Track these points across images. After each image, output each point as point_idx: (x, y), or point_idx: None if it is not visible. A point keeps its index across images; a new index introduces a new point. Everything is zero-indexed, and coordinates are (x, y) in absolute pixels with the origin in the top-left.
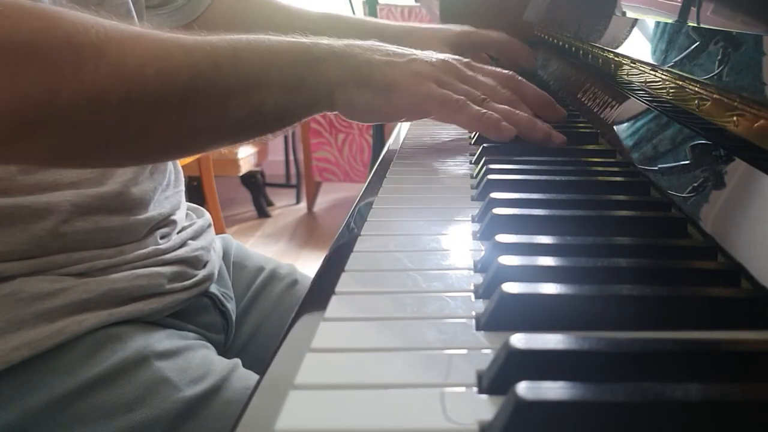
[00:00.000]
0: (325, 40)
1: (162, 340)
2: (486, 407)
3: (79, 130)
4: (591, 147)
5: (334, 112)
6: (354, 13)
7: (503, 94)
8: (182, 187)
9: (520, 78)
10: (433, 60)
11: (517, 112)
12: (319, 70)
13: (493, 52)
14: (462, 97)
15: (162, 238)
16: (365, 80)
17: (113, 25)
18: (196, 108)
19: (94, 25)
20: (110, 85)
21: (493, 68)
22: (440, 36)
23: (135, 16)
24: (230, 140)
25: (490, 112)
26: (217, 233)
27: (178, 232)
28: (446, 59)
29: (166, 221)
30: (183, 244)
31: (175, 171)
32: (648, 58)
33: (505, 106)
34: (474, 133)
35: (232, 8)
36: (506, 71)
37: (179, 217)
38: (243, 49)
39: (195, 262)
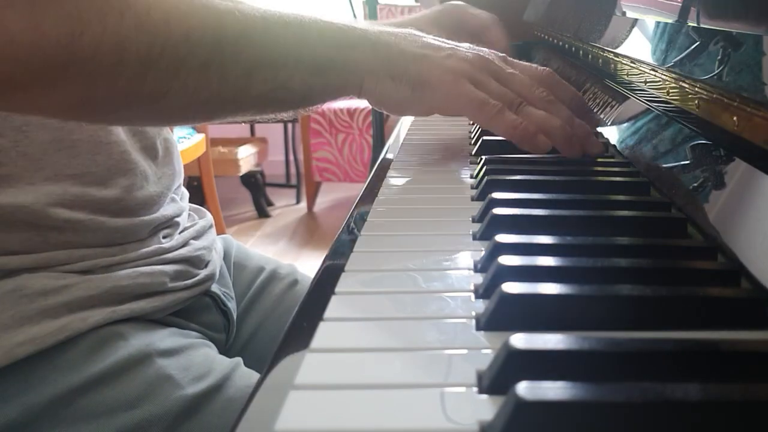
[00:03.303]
0: (360, 24)
1: (164, 338)
2: (486, 407)
3: (99, 79)
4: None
5: (361, 98)
6: (354, 13)
7: (539, 94)
8: (182, 193)
9: (557, 77)
10: (469, 56)
11: (554, 120)
12: (351, 55)
13: (470, 30)
14: (499, 103)
15: (164, 237)
16: (399, 73)
17: None
18: (219, 74)
19: None
20: (133, 35)
21: (530, 64)
22: (427, 19)
23: None
24: (251, 113)
25: (526, 123)
26: (216, 233)
27: (180, 232)
28: (482, 55)
29: (169, 222)
30: (185, 244)
31: (178, 179)
32: (648, 58)
33: (542, 113)
34: (474, 132)
35: None
36: (544, 68)
37: (182, 218)
38: (276, 21)
39: (197, 262)
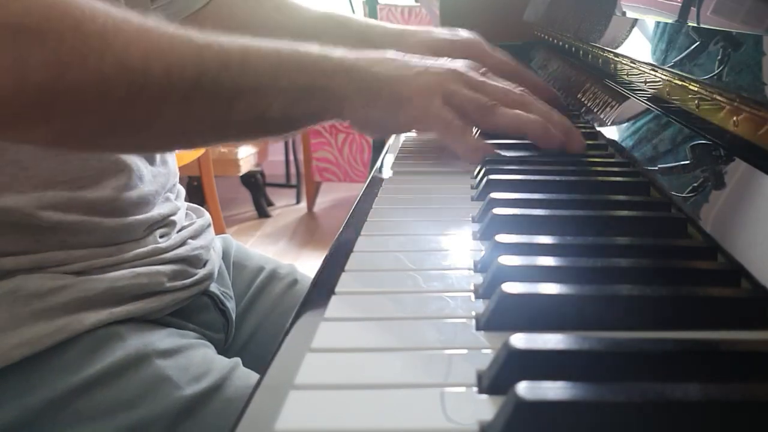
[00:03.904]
0: (337, 52)
1: (162, 338)
2: (486, 407)
3: (81, 116)
4: (591, 147)
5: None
6: (354, 13)
7: (512, 95)
8: (178, 192)
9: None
10: (441, 70)
11: (526, 116)
12: (328, 84)
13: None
14: (462, 124)
15: (161, 237)
16: (374, 97)
17: (123, 16)
18: (200, 107)
19: (103, 14)
20: (114, 73)
21: (507, 82)
22: (430, 44)
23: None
24: (233, 140)
25: (487, 144)
26: (217, 233)
27: (177, 231)
28: (457, 69)
29: (165, 221)
30: (183, 243)
31: (173, 179)
32: (648, 58)
33: (516, 111)
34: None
35: (229, 4)
36: (518, 86)
37: (179, 217)
38: (253, 53)
39: (195, 261)
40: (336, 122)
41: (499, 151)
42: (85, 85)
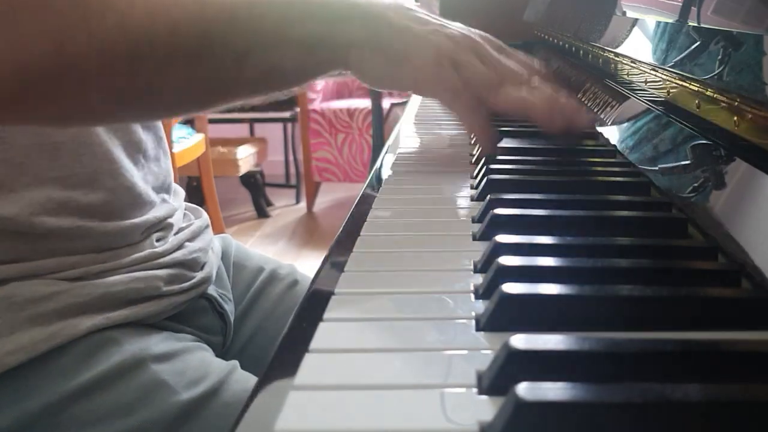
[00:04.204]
0: None
1: (159, 342)
2: (486, 408)
3: (91, 84)
4: (591, 147)
5: (349, 74)
6: None
7: (522, 76)
8: (173, 194)
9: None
10: (456, 34)
11: (534, 99)
12: (339, 29)
13: None
14: (473, 97)
15: (158, 240)
16: (384, 47)
17: None
18: (210, 64)
19: None
20: (117, 37)
21: (526, 56)
22: None
23: None
24: (246, 97)
25: (493, 133)
26: (216, 233)
27: (175, 233)
28: (471, 35)
29: (162, 224)
30: (180, 246)
31: (169, 178)
32: (648, 58)
33: (522, 93)
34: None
35: None
36: (538, 63)
37: (176, 219)
38: (260, 2)
39: (192, 264)
40: (343, 71)
41: (501, 144)
42: (90, 51)
